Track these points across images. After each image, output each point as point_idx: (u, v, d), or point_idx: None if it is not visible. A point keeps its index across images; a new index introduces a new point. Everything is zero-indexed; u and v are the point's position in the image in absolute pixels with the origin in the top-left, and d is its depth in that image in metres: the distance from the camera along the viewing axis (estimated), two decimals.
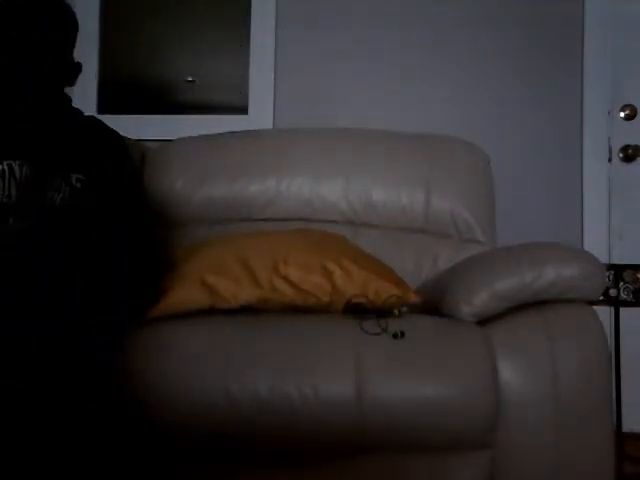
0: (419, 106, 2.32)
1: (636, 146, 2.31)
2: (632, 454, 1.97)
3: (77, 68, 1.47)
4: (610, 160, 2.30)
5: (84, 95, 2.50)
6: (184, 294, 1.39)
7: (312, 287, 1.40)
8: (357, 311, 1.34)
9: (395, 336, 1.24)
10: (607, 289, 1.87)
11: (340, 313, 1.40)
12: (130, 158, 1.50)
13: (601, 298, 1.74)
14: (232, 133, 2.00)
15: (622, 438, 1.85)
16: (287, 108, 2.35)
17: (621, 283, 1.88)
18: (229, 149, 1.95)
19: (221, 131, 2.01)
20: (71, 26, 1.46)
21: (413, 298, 1.41)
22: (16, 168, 1.31)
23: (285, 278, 1.40)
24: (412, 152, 1.90)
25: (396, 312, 1.36)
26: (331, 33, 2.36)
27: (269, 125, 2.34)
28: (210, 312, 1.40)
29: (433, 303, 1.44)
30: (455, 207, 1.81)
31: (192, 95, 2.69)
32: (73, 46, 1.47)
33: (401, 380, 1.21)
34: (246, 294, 1.39)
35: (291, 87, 2.35)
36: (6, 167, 1.31)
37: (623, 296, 1.88)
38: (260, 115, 2.34)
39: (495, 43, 2.33)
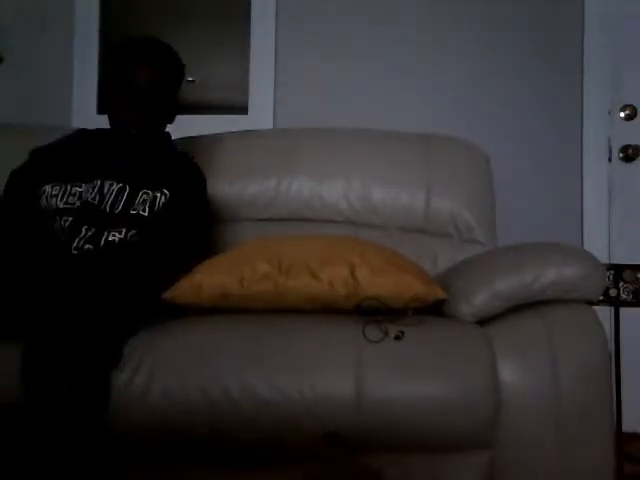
0: (419, 106, 2.32)
1: (636, 146, 2.31)
2: (632, 454, 1.97)
3: (178, 108, 1.72)
4: (610, 160, 2.30)
5: (84, 95, 2.51)
6: (202, 277, 1.40)
7: (331, 276, 1.36)
8: (368, 312, 1.33)
9: (397, 338, 1.24)
10: (607, 289, 1.86)
11: (353, 311, 1.36)
12: (205, 191, 1.70)
13: (601, 298, 1.74)
14: (232, 133, 2.00)
15: (622, 438, 1.86)
16: (287, 108, 2.35)
17: (621, 283, 1.88)
18: (229, 149, 1.95)
19: (221, 131, 2.01)
20: (181, 74, 1.69)
21: (441, 294, 1.38)
22: (106, 185, 1.54)
23: (305, 266, 1.38)
24: (412, 152, 1.90)
25: (410, 313, 1.35)
26: (331, 33, 2.36)
27: (269, 125, 2.34)
28: (215, 311, 1.41)
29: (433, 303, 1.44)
30: (455, 207, 1.81)
31: (192, 95, 2.69)
32: (179, 90, 1.70)
33: (401, 380, 1.21)
34: (261, 280, 1.37)
35: (291, 87, 2.36)
36: (98, 182, 1.55)
37: (623, 296, 1.88)
38: (260, 115, 2.35)
39: (495, 43, 2.33)
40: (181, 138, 1.97)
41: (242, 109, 2.38)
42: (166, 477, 1.25)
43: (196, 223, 1.62)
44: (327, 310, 1.39)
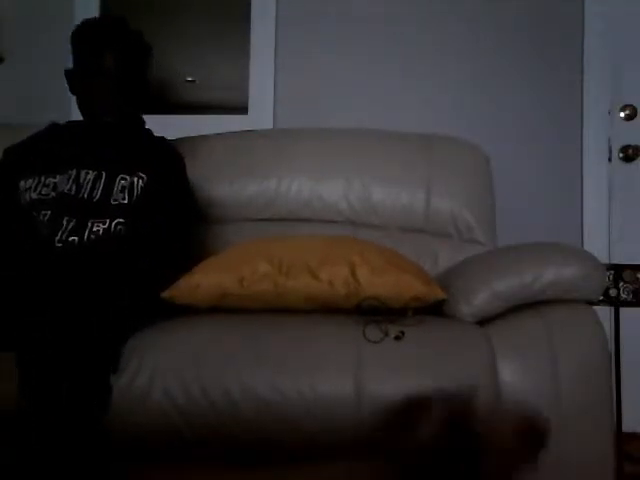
0: (419, 106, 2.32)
1: (636, 146, 2.31)
2: (632, 454, 1.97)
3: (149, 89, 1.68)
4: (610, 160, 2.30)
5: None
6: (201, 277, 1.40)
7: (331, 276, 1.36)
8: (369, 312, 1.32)
9: (397, 338, 1.24)
10: (607, 289, 1.86)
11: (353, 311, 1.36)
12: (185, 173, 1.67)
13: (601, 298, 1.74)
14: (232, 133, 2.00)
15: (622, 438, 1.85)
16: (287, 108, 2.35)
17: (621, 283, 1.88)
18: (229, 149, 1.94)
19: (221, 131, 2.01)
20: (147, 54, 1.65)
21: (440, 295, 1.37)
22: (82, 174, 1.51)
23: (305, 265, 1.38)
24: (412, 152, 1.90)
25: (410, 313, 1.35)
26: (331, 33, 2.36)
27: (269, 125, 2.34)
28: (215, 311, 1.41)
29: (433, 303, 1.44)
30: (455, 207, 1.81)
31: (192, 95, 2.69)
32: (148, 71, 1.66)
33: (401, 380, 1.21)
34: (260, 280, 1.37)
35: (291, 87, 2.35)
36: (74, 173, 1.51)
37: (623, 296, 1.88)
38: (260, 115, 2.34)
39: (495, 43, 2.33)
40: (181, 138, 1.97)
41: (242, 109, 2.37)
42: (166, 477, 1.25)
43: (182, 206, 1.59)
44: (327, 310, 1.39)
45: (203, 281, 1.39)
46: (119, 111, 1.58)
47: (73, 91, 1.61)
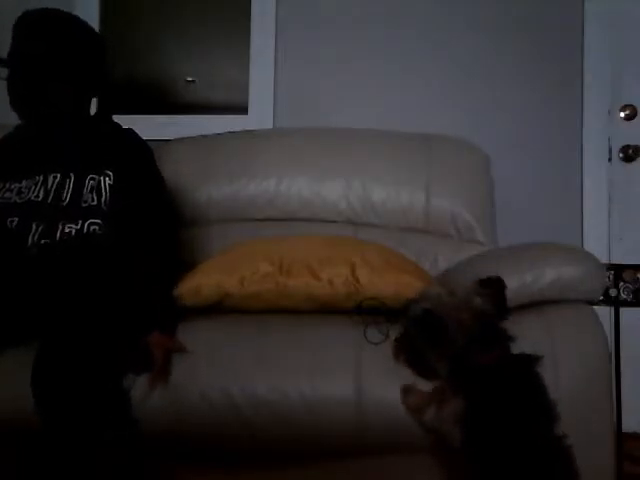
0: (419, 106, 2.32)
1: (636, 146, 2.30)
2: (632, 454, 1.97)
3: (106, 83, 1.60)
4: (610, 160, 2.30)
5: None
6: (202, 277, 1.40)
7: (331, 276, 1.37)
8: (369, 312, 1.32)
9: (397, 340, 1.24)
10: (607, 289, 1.86)
11: (353, 311, 1.37)
12: (154, 163, 1.58)
13: (601, 298, 1.74)
14: (232, 133, 2.00)
15: (622, 438, 1.85)
16: (287, 108, 2.35)
17: (621, 283, 1.88)
18: (229, 149, 1.95)
19: (221, 131, 2.01)
20: (98, 43, 1.57)
21: None
22: (50, 178, 1.44)
23: (306, 265, 1.39)
24: (412, 152, 1.90)
25: None
26: (331, 33, 2.36)
27: (269, 125, 2.33)
28: (216, 311, 1.41)
29: None
30: (455, 207, 1.81)
31: (192, 95, 2.69)
32: (102, 62, 1.57)
33: (400, 380, 1.21)
34: (261, 280, 1.38)
35: (291, 87, 2.35)
36: (41, 177, 1.45)
37: (623, 296, 1.88)
38: (260, 115, 2.34)
39: (495, 43, 2.33)
40: (181, 138, 1.97)
41: (242, 109, 2.37)
42: (166, 477, 1.25)
43: (156, 200, 1.52)
44: (327, 310, 1.39)
45: (204, 281, 1.39)
46: (67, 103, 1.50)
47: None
